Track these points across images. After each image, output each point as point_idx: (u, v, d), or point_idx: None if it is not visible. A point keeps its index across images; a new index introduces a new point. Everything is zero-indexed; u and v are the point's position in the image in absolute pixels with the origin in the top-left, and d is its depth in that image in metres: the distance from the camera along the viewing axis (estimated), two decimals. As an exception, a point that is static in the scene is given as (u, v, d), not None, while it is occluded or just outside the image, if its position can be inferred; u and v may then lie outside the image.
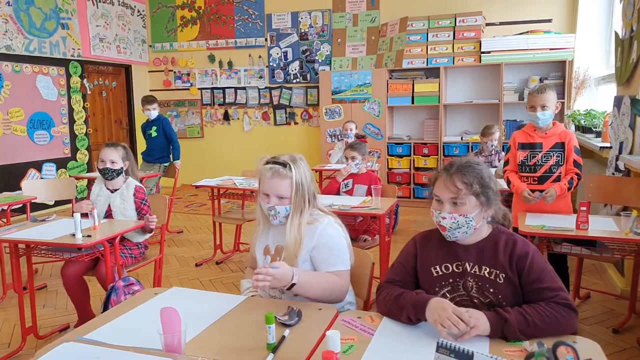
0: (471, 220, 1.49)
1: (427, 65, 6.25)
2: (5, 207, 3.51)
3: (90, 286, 2.91)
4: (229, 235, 4.78)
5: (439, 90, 6.16)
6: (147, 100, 5.44)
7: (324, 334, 1.38)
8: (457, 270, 1.53)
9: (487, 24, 6.22)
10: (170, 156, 5.56)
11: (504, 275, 1.47)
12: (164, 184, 5.86)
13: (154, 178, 5.31)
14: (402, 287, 1.54)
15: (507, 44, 5.84)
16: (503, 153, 4.37)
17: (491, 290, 1.48)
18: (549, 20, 6.04)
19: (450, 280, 1.54)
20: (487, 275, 1.49)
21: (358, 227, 3.28)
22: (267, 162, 1.79)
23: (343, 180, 3.72)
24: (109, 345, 1.28)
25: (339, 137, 6.56)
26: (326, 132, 6.78)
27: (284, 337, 1.37)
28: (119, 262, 2.63)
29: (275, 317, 1.42)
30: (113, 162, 2.95)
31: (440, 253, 1.57)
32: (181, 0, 7.82)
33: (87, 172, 6.66)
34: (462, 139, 6.21)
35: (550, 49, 5.69)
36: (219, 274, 4.07)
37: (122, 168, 3.00)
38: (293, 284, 1.57)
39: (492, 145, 4.45)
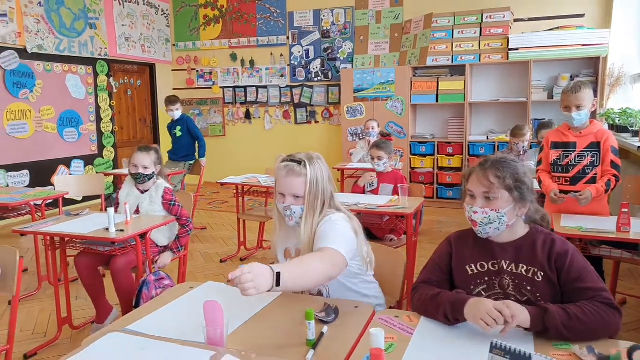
0: (503, 216, 1.47)
1: (452, 62, 6.18)
2: (40, 202, 3.58)
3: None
4: (252, 233, 4.81)
5: (465, 88, 6.09)
6: (170, 100, 5.50)
7: (363, 331, 1.38)
8: (492, 269, 1.52)
9: (516, 20, 6.12)
10: (196, 154, 5.62)
11: (542, 274, 1.45)
12: (188, 182, 5.92)
13: (179, 175, 5.37)
14: (437, 287, 1.53)
15: (536, 41, 5.72)
16: (531, 151, 4.30)
17: (529, 288, 1.46)
18: (582, 15, 5.90)
19: (486, 279, 1.52)
20: (524, 273, 1.47)
21: (385, 226, 3.26)
22: (283, 160, 1.78)
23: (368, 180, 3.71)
24: (152, 337, 1.30)
25: (360, 135, 6.54)
26: (347, 131, 6.76)
27: (322, 333, 1.36)
28: (149, 256, 2.67)
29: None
30: (145, 168, 2.96)
31: (476, 252, 1.56)
32: (204, -1, 7.89)
33: (112, 169, 6.78)
34: (487, 138, 6.13)
35: (583, 45, 5.55)
36: (244, 271, 4.09)
37: (153, 173, 3.01)
38: (278, 274, 1.33)
39: (522, 147, 4.37)
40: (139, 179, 2.97)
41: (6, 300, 3.33)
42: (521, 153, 4.36)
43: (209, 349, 1.20)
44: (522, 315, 1.28)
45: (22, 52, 5.67)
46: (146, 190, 3.02)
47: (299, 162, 1.74)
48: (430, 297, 1.45)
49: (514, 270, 1.48)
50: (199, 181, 5.57)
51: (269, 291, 1.31)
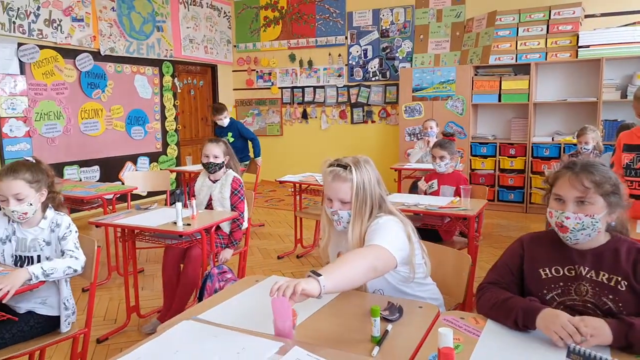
0: (597, 222, 1.40)
1: (516, 61, 5.98)
2: (111, 196, 3.79)
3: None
4: (307, 230, 4.86)
5: (529, 88, 5.87)
6: (217, 109, 5.59)
7: (428, 331, 1.37)
8: (569, 274, 1.46)
9: (587, 16, 5.82)
10: (251, 154, 5.74)
11: (626, 283, 1.38)
12: (245, 179, 6.02)
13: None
14: (506, 289, 1.50)
15: (609, 37, 5.42)
16: (606, 155, 4.08)
17: (610, 296, 1.39)
18: (660, 10, 5.54)
19: (561, 284, 1.46)
20: (605, 282, 1.40)
21: (445, 228, 3.20)
22: (330, 165, 1.77)
23: (427, 182, 3.65)
24: (223, 326, 1.34)
25: (418, 135, 6.46)
26: (405, 131, 6.69)
27: (387, 331, 1.36)
28: (214, 250, 2.76)
29: (378, 311, 1.42)
30: (216, 157, 3.16)
31: (551, 255, 1.50)
32: (265, 1, 8.04)
33: (175, 166, 7.05)
34: (553, 139, 5.87)
35: (661, 42, 5.22)
36: (299, 267, 4.15)
37: (223, 162, 3.20)
38: (318, 275, 1.34)
39: (586, 148, 4.15)
40: (210, 167, 3.15)
41: (79, 287, 3.55)
42: (591, 155, 4.15)
43: (278, 340, 1.23)
44: (602, 334, 1.22)
45: (96, 55, 6.01)
46: (217, 180, 3.19)
47: (345, 167, 1.72)
48: (500, 301, 1.41)
49: (594, 278, 1.42)
50: (255, 180, 5.69)
51: (319, 296, 1.31)
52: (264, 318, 1.36)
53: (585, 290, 1.43)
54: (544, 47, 5.84)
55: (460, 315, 1.46)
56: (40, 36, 5.38)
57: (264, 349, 1.18)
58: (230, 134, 5.63)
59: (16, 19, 5.13)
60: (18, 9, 5.14)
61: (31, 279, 1.85)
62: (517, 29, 5.99)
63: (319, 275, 1.34)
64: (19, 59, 5.21)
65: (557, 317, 1.25)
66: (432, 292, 1.82)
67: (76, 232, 2.10)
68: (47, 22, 5.44)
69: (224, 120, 5.59)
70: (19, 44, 5.19)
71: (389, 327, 1.39)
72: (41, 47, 5.41)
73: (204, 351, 1.19)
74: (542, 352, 1.23)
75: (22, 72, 5.26)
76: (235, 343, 1.22)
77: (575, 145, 4.66)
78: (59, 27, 5.56)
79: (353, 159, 1.76)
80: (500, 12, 6.09)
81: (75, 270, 1.99)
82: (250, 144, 5.77)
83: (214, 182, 3.21)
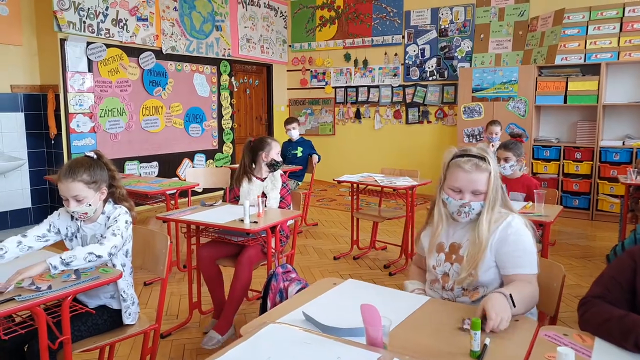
0: None
1: (584, 61, 5.67)
2: (174, 192, 3.84)
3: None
4: (363, 232, 4.78)
5: (598, 89, 5.55)
6: (291, 118, 5.63)
7: (531, 347, 1.27)
8: None
9: (666, 13, 5.46)
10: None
11: None
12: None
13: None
14: (613, 304, 1.37)
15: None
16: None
17: None
18: None
19: None
20: None
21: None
22: (461, 155, 1.70)
23: None
24: (311, 331, 1.29)
25: (477, 137, 6.25)
26: (463, 132, 6.48)
27: (485, 345, 1.27)
28: (278, 249, 2.73)
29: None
30: (278, 153, 3.21)
31: None
32: (321, 1, 8.01)
33: (230, 164, 7.13)
34: (623, 143, 5.53)
35: None
36: (357, 269, 4.08)
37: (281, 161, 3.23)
38: (511, 296, 1.43)
39: None
40: (278, 166, 3.18)
41: (141, 281, 3.61)
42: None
43: (375, 350, 1.16)
44: None
45: (158, 53, 6.16)
46: (265, 178, 3.17)
47: (482, 158, 1.67)
48: (615, 318, 1.29)
49: None
50: (311, 178, 5.65)
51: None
52: (347, 323, 1.31)
53: None
54: (616, 46, 5.51)
55: (562, 332, 1.35)
56: (108, 35, 5.55)
57: (362, 359, 1.12)
58: (300, 149, 5.58)
59: (86, 18, 5.32)
60: (88, 9, 5.33)
61: (49, 270, 1.73)
62: (587, 27, 5.69)
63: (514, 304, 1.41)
64: (88, 57, 5.40)
65: None
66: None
67: (127, 222, 2.01)
68: (114, 22, 5.61)
69: (293, 132, 5.53)
70: (88, 43, 5.38)
71: (487, 341, 1.29)
72: (108, 45, 5.58)
73: (297, 358, 1.14)
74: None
75: (90, 69, 5.45)
76: (329, 351, 1.16)
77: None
78: (125, 27, 5.73)
79: (480, 150, 1.71)
80: (569, 10, 5.80)
81: (99, 256, 1.81)
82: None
83: (262, 180, 3.17)
